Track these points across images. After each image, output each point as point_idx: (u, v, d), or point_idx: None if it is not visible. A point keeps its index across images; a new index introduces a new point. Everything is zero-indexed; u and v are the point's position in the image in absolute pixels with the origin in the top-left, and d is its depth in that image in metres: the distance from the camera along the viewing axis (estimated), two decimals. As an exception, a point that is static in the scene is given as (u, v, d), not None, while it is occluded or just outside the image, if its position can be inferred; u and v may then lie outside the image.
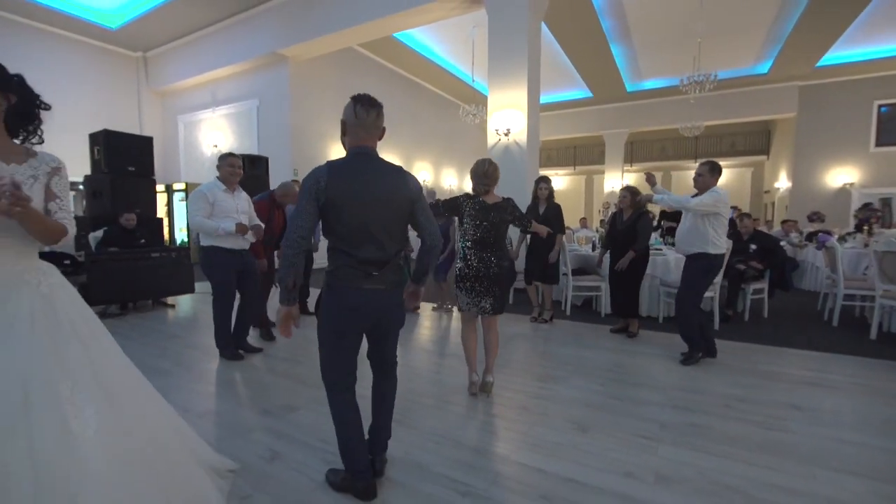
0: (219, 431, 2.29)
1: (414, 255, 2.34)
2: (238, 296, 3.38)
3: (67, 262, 4.86)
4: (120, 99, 11.41)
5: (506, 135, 6.47)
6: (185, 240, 10.30)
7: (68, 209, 1.37)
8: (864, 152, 11.46)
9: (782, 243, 5.66)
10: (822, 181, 12.01)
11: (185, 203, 10.42)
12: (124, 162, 5.87)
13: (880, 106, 11.21)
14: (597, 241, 5.92)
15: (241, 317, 3.43)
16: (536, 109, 6.70)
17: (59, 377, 1.19)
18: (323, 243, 2.54)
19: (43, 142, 1.44)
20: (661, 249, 5.03)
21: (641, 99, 14.38)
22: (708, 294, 4.38)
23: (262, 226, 3.42)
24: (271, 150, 9.22)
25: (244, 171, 5.56)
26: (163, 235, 6.96)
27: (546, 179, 4.51)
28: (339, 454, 1.73)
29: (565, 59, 11.32)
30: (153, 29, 10.23)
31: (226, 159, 3.19)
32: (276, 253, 4.08)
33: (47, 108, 1.41)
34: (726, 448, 2.12)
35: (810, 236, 7.31)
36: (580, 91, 14.01)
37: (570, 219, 13.75)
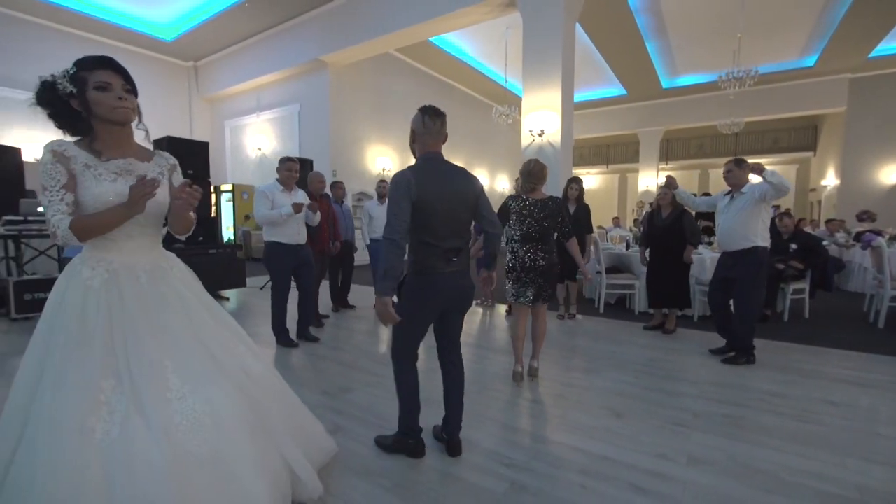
0: (286, 407, 2.58)
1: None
2: (296, 288, 3.70)
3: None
4: (173, 106, 12.21)
5: (540, 135, 6.60)
6: (232, 238, 10.95)
7: None
8: (921, 147, 10.84)
9: (825, 243, 5.53)
10: (874, 178, 11.42)
11: (231, 203, 11.08)
12: (184, 165, 6.30)
13: (940, 98, 10.55)
14: (631, 241, 5.96)
15: (302, 308, 3.76)
16: (570, 110, 6.79)
17: (203, 348, 1.39)
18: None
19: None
20: (699, 252, 5.03)
21: (678, 95, 14.08)
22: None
23: (317, 212, 3.73)
24: (311, 152, 9.67)
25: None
26: (216, 233, 7.47)
27: (577, 180, 4.64)
28: (399, 418, 1.98)
29: (599, 58, 11.26)
30: (204, 40, 10.90)
31: (284, 163, 3.51)
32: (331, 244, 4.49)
33: None
34: (758, 437, 2.22)
35: (858, 236, 7.04)
36: (614, 89, 13.86)
37: (603, 218, 13.64)
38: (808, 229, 7.74)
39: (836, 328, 4.45)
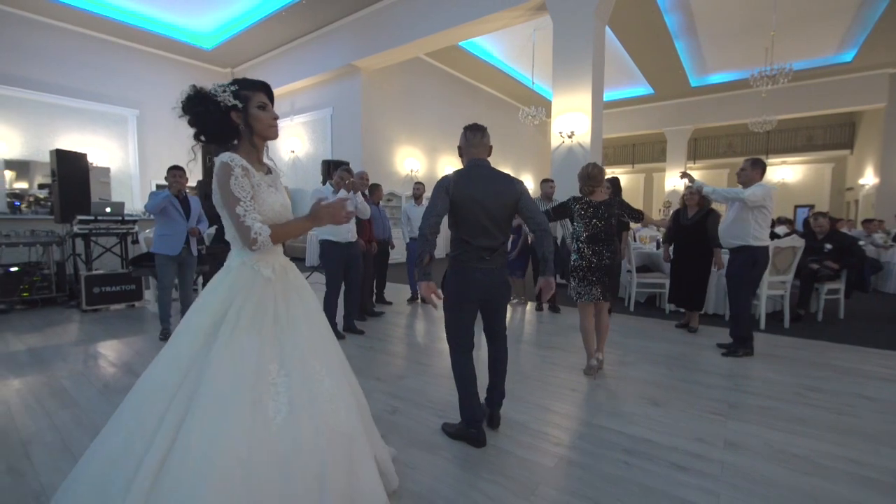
0: (345, 390, 2.83)
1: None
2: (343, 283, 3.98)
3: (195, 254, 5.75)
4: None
5: (570, 137, 6.72)
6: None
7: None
8: (967, 145, 10.41)
9: (861, 243, 5.47)
10: (917, 177, 11.02)
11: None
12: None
13: None
14: (660, 240, 6.02)
15: (348, 301, 4.04)
16: (600, 112, 6.88)
17: (323, 340, 1.56)
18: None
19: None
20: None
21: (707, 94, 13.87)
22: (777, 293, 4.44)
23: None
24: (344, 155, 10.02)
25: (330, 174, 6.24)
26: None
27: (610, 181, 4.75)
28: (459, 407, 2.17)
29: (626, 57, 11.25)
30: (242, 48, 11.41)
31: (337, 172, 3.79)
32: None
33: None
34: (794, 426, 2.34)
35: (898, 237, 6.89)
36: (641, 88, 13.76)
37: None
38: (844, 230, 7.60)
39: (872, 328, 4.45)
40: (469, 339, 2.17)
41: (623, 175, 19.17)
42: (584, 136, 6.65)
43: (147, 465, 1.17)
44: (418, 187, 5.65)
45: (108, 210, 5.30)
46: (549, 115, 12.52)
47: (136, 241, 5.67)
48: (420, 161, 11.88)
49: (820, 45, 10.31)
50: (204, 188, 6.90)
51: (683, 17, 9.24)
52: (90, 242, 5.33)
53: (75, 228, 5.04)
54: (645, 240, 6.15)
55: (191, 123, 1.44)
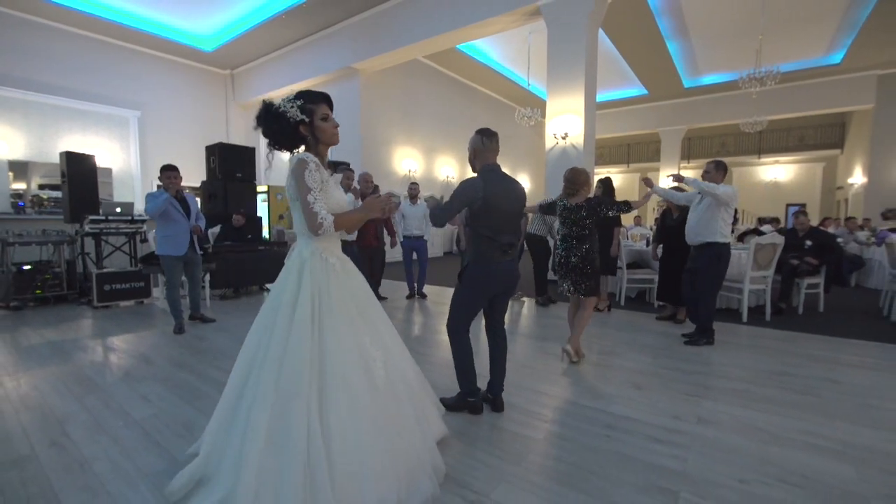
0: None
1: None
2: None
3: (201, 252, 5.95)
4: (211, 112, 12.95)
5: (563, 138, 6.94)
6: (267, 236, 11.60)
7: None
8: (952, 145, 10.69)
9: (840, 240, 5.72)
10: (903, 176, 11.30)
11: (266, 204, 11.72)
12: (233, 169, 6.97)
13: (972, 94, 10.40)
14: (651, 239, 6.25)
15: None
16: (593, 113, 7.10)
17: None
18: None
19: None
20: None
21: (700, 95, 14.12)
22: (759, 287, 4.68)
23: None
24: (342, 155, 10.20)
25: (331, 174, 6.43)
26: (262, 232, 8.06)
27: (601, 181, 4.97)
28: (458, 381, 2.41)
29: (620, 59, 11.48)
30: (242, 50, 11.57)
31: (343, 171, 3.99)
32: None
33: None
34: (760, 405, 2.57)
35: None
36: (635, 89, 14.00)
37: (625, 217, 13.81)
38: (831, 228, 7.85)
39: (849, 320, 4.69)
40: (469, 323, 2.43)
41: (618, 175, 19.43)
42: (577, 137, 6.88)
43: (312, 428, 1.46)
44: (413, 187, 5.90)
45: (118, 210, 5.49)
46: (544, 115, 12.77)
47: (144, 240, 5.86)
48: (418, 161, 12.09)
49: (809, 47, 10.57)
50: (209, 189, 7.11)
51: (675, 19, 9.48)
52: (101, 241, 5.52)
53: (87, 228, 5.23)
54: (636, 238, 6.38)
55: (264, 134, 1.67)
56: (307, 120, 1.63)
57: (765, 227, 6.68)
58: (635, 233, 6.87)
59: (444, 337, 3.66)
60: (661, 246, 4.76)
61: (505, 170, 2.41)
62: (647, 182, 3.88)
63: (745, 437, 2.19)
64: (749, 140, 15.64)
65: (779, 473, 1.88)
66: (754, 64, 9.55)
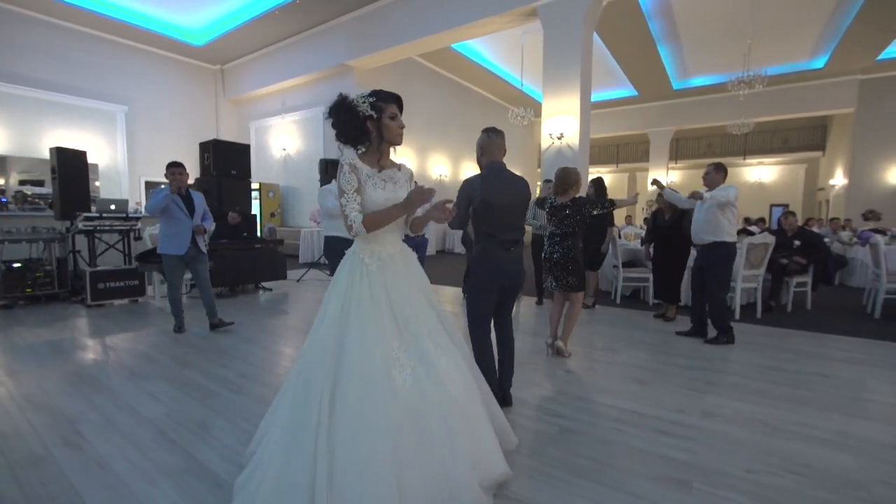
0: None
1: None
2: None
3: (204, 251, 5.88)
4: (200, 108, 12.75)
5: (559, 138, 7.02)
6: (259, 234, 11.49)
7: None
8: (928, 148, 11.10)
9: (826, 240, 5.91)
10: (881, 178, 11.70)
11: (258, 201, 11.61)
12: (228, 166, 6.89)
13: (947, 100, 10.81)
14: (643, 238, 6.38)
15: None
16: (588, 114, 7.21)
17: (437, 322, 1.76)
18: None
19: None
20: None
21: (688, 96, 14.39)
22: (751, 285, 4.82)
23: None
24: (336, 154, 10.14)
25: (328, 173, 6.43)
26: (257, 229, 7.98)
27: (593, 181, 5.05)
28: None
29: (611, 60, 11.63)
30: (233, 45, 11.41)
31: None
32: None
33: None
34: (758, 398, 2.67)
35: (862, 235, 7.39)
36: (625, 90, 14.20)
37: (615, 216, 14.02)
38: (815, 228, 8.10)
39: (836, 318, 4.86)
40: (488, 324, 2.46)
41: (607, 174, 19.66)
42: (572, 137, 6.97)
43: (321, 424, 1.45)
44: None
45: (112, 207, 5.40)
46: (537, 115, 12.87)
47: (138, 238, 5.77)
48: (411, 160, 12.08)
49: (794, 51, 10.85)
50: (203, 186, 7.01)
51: (666, 23, 9.64)
52: (94, 239, 5.42)
53: (80, 225, 5.13)
54: (630, 237, 6.50)
55: (333, 126, 1.70)
56: (375, 116, 1.66)
57: (752, 228, 6.86)
58: (629, 232, 6.99)
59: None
60: (652, 245, 4.88)
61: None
62: (658, 184, 3.95)
63: (748, 430, 2.28)
64: (735, 142, 15.98)
65: (783, 464, 1.96)
66: (741, 67, 9.79)
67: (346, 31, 9.78)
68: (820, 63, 11.49)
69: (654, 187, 4.00)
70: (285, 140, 12.02)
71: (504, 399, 2.51)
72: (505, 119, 12.93)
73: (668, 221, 4.62)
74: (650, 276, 5.44)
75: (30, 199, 8.35)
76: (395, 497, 1.36)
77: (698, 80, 13.27)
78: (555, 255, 3.32)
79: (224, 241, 6.15)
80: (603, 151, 19.00)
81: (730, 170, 14.96)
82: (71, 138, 9.92)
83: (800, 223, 6.11)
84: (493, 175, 2.37)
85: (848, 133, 12.39)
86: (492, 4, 7.46)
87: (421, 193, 1.62)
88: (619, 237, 6.82)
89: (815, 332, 4.25)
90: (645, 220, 11.70)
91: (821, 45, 10.52)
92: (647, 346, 3.76)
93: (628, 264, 5.77)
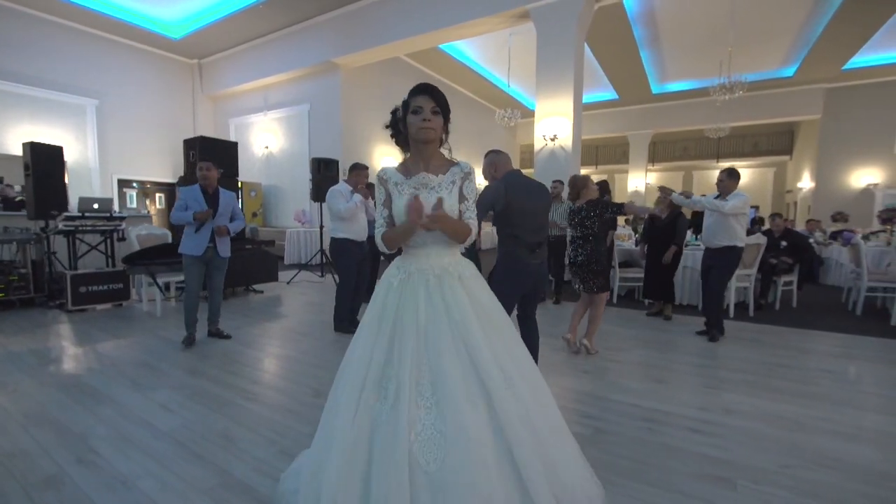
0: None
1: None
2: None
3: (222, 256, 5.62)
4: (176, 103, 12.25)
5: (552, 140, 7.09)
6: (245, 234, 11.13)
7: (475, 210, 1.57)
8: (888, 153, 11.77)
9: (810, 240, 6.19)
10: (846, 182, 12.36)
11: (240, 201, 11.25)
12: (215, 165, 6.61)
13: (904, 108, 11.52)
14: (637, 238, 6.52)
15: (359, 298, 4.16)
16: (580, 116, 7.32)
17: (465, 357, 1.36)
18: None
19: (450, 149, 1.63)
20: (698, 245, 5.62)
21: (666, 101, 14.81)
22: (743, 285, 4.99)
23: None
24: (322, 153, 9.95)
25: (320, 172, 6.31)
26: (244, 230, 7.72)
27: (598, 184, 5.15)
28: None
29: (594, 63, 11.86)
30: (212, 39, 11.01)
31: (362, 171, 3.92)
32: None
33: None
34: (775, 395, 2.76)
35: (834, 235, 7.79)
36: (607, 93, 14.50)
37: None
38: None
39: (822, 315, 5.09)
40: None
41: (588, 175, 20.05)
42: (565, 139, 7.05)
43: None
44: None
45: (95, 206, 5.11)
46: (522, 116, 12.97)
47: (122, 239, 5.48)
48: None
49: (767, 60, 11.33)
50: (188, 184, 6.73)
51: (650, 28, 9.90)
52: (75, 240, 5.11)
53: (60, 225, 4.83)
54: (623, 237, 6.63)
55: (391, 137, 1.62)
56: (401, 115, 1.52)
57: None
58: (622, 232, 7.13)
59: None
60: (646, 246, 5.01)
61: (478, 169, 2.52)
62: (664, 191, 4.04)
63: (771, 426, 2.35)
64: (708, 146, 16.57)
65: (813, 458, 2.03)
66: (717, 74, 10.16)
67: (333, 28, 9.60)
68: (790, 71, 12.04)
69: (659, 192, 4.09)
70: (268, 138, 11.69)
71: None
72: (490, 119, 13.00)
73: (664, 222, 4.74)
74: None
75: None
76: None
77: (676, 86, 13.68)
78: (579, 258, 3.40)
79: (210, 245, 5.91)
80: (583, 153, 19.31)
81: (703, 172, 15.47)
82: (37, 133, 9.36)
83: (769, 226, 6.32)
84: (516, 181, 2.47)
85: (814, 138, 13.04)
86: (484, 5, 7.47)
87: (410, 208, 1.41)
88: (617, 238, 6.96)
89: (806, 329, 4.44)
90: (626, 220, 12.00)
91: (791, 54, 11.03)
92: (655, 345, 3.83)
93: (623, 265, 5.88)
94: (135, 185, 12.41)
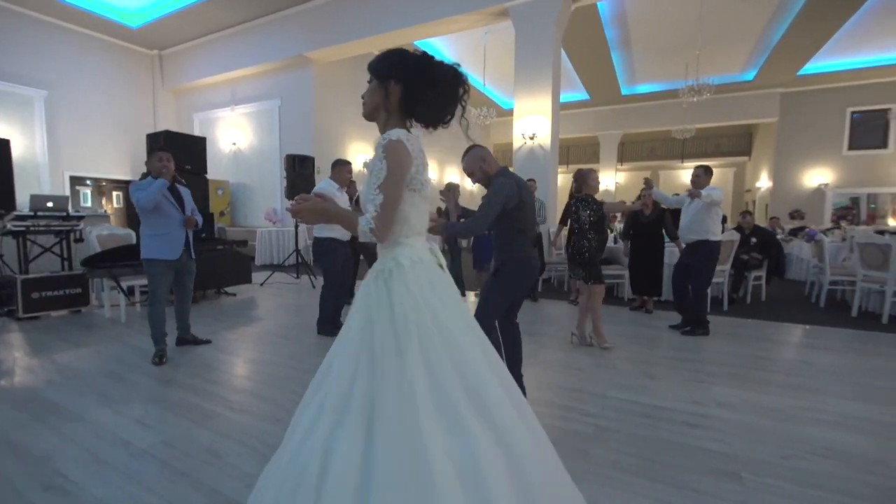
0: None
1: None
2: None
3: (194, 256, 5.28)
4: (134, 96, 11.58)
5: (531, 138, 7.13)
6: (215, 234, 10.63)
7: (374, 202, 1.23)
8: (837, 155, 12.56)
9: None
10: (800, 181, 13.08)
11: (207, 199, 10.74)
12: (182, 160, 6.24)
13: (853, 112, 12.31)
14: (617, 235, 6.64)
15: (342, 299, 4.00)
16: (558, 115, 7.39)
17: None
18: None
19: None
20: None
21: (635, 102, 15.24)
22: (718, 280, 5.15)
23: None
24: (294, 149, 9.62)
25: (295, 169, 6.11)
26: (213, 229, 7.36)
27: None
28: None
29: (567, 63, 12.03)
30: (173, 29, 10.46)
31: (345, 166, 3.78)
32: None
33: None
34: (759, 386, 2.84)
35: (794, 232, 8.21)
36: (578, 93, 14.76)
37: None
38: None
39: (790, 308, 5.33)
40: (498, 318, 2.49)
41: (559, 175, 20.41)
42: (544, 138, 7.10)
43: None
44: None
45: (49, 205, 4.71)
46: (497, 115, 13.00)
47: (79, 240, 5.08)
48: (367, 156, 11.76)
49: (730, 64, 11.83)
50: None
51: (621, 32, 10.13)
52: (26, 242, 4.70)
53: (8, 225, 4.43)
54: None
55: None
56: None
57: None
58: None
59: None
60: (629, 243, 5.12)
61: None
62: (648, 183, 4.09)
63: (763, 417, 2.40)
64: (674, 146, 17.19)
65: (808, 448, 2.08)
66: (683, 77, 10.52)
67: (305, 21, 9.30)
68: (750, 76, 12.62)
69: (643, 187, 4.15)
70: (235, 134, 11.22)
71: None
72: (464, 119, 12.94)
73: (649, 218, 4.83)
74: (626, 273, 5.66)
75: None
76: None
77: (644, 87, 14.09)
78: (569, 250, 3.58)
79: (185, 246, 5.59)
80: (555, 153, 19.65)
81: (669, 172, 15.98)
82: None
83: (734, 224, 6.60)
84: (516, 177, 2.48)
85: (772, 140, 13.74)
86: (463, 1, 7.41)
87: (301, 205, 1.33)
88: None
89: (777, 322, 4.63)
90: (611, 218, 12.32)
91: (752, 59, 11.56)
92: (641, 341, 3.89)
93: (604, 262, 5.95)
94: (89, 182, 11.66)
